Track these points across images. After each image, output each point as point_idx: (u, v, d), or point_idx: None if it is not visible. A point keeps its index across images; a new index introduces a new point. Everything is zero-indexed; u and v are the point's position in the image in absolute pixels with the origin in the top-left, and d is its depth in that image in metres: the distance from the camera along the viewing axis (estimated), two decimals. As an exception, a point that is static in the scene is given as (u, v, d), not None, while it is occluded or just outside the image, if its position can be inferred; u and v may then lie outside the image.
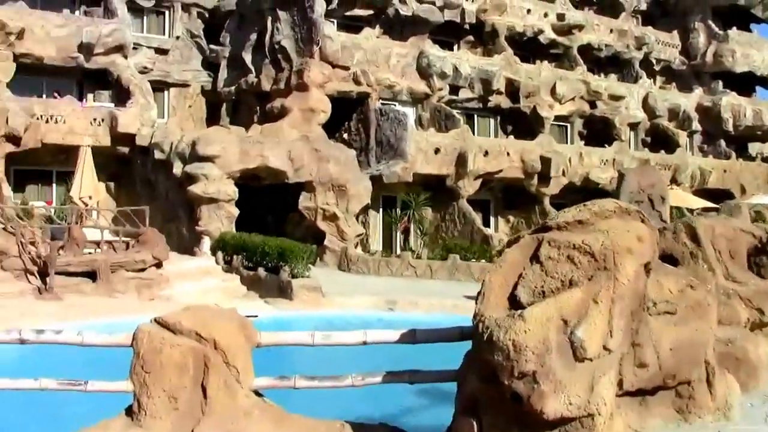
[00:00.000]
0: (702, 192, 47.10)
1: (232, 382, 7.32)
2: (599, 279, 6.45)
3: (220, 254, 29.92)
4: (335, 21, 40.44)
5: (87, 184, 30.11)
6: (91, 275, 24.96)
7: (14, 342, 7.64)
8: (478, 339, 6.53)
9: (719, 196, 46.20)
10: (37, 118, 33.66)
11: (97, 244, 27.16)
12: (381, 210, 38.80)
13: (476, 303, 6.93)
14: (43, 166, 35.60)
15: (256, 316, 23.17)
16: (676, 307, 7.48)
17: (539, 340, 6.09)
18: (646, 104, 49.67)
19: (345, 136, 39.12)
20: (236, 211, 32.24)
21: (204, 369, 7.24)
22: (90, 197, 30.20)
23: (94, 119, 35.10)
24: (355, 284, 28.91)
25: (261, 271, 27.23)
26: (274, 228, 34.08)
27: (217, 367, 7.27)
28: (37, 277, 24.42)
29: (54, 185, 36.07)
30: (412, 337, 7.82)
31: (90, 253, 26.36)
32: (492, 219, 42.92)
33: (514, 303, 6.64)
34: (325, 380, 7.78)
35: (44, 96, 36.46)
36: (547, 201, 41.61)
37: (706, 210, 44.05)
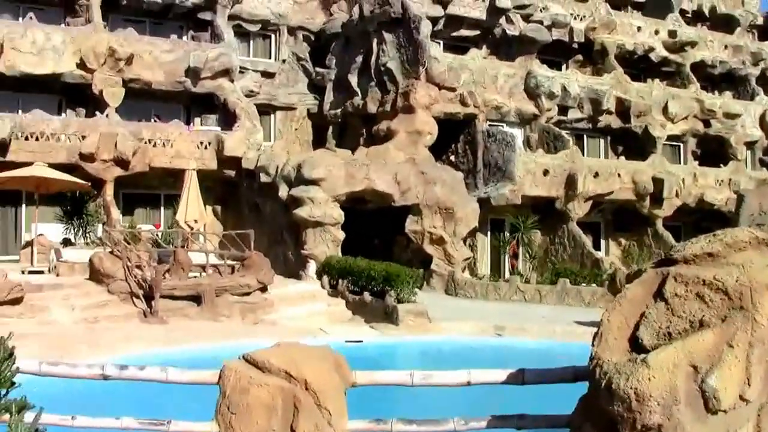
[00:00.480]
0: None
1: (323, 425, 6.80)
2: (734, 320, 5.75)
3: (325, 278, 29.60)
4: (441, 42, 40.15)
5: (192, 207, 30.07)
6: (196, 299, 24.92)
7: (96, 378, 7.27)
8: (596, 385, 5.89)
9: None
10: (145, 142, 33.97)
11: (203, 267, 27.09)
12: (489, 233, 38.10)
13: (593, 345, 6.31)
14: (151, 189, 35.94)
15: (361, 341, 22.92)
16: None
17: (665, 388, 5.43)
18: (763, 122, 48.03)
19: (452, 158, 38.63)
20: (342, 235, 31.86)
21: (294, 411, 6.76)
22: (195, 221, 30.15)
23: (201, 143, 35.26)
24: (462, 309, 28.34)
25: (366, 296, 26.78)
26: (380, 251, 33.70)
27: (307, 409, 6.77)
28: (143, 300, 24.44)
29: (162, 208, 36.31)
30: (520, 378, 7.17)
31: (195, 276, 26.31)
32: (602, 242, 41.93)
33: (636, 346, 5.98)
34: (425, 424, 7.19)
35: (153, 120, 36.74)
36: (659, 223, 40.58)
37: None
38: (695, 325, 5.82)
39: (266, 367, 6.88)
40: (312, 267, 30.93)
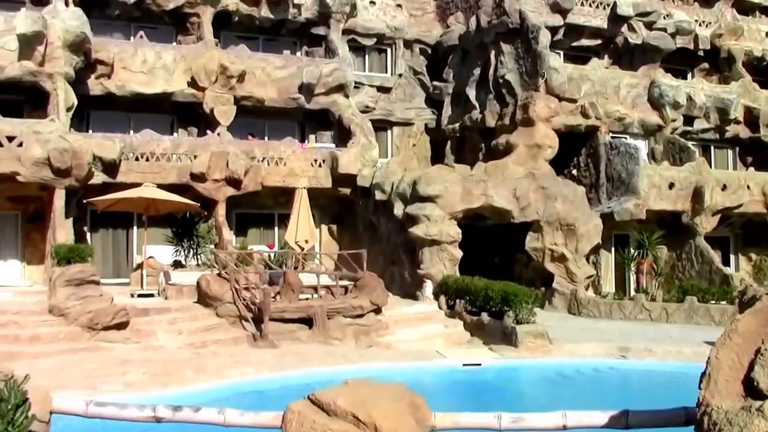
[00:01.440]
0: None
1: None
2: None
3: (442, 298, 28.92)
4: (561, 52, 39.10)
5: (303, 227, 29.59)
6: (308, 322, 24.50)
7: (149, 420, 6.68)
8: (704, 435, 4.96)
9: None
10: (258, 161, 33.67)
11: (315, 289, 26.62)
12: (613, 249, 36.87)
13: (699, 387, 5.39)
14: (264, 209, 35.77)
15: (479, 365, 22.11)
16: None
17: (785, 444, 4.52)
18: None
19: (573, 172, 37.55)
20: (459, 253, 31.05)
21: (362, 460, 6.00)
22: (306, 241, 29.67)
23: (315, 160, 34.88)
24: (585, 329, 27.33)
25: (485, 317, 25.99)
26: (500, 269, 32.93)
27: (378, 459, 6.00)
28: (252, 323, 24.17)
29: (276, 228, 36.02)
30: (623, 421, 6.30)
31: (307, 299, 25.87)
32: (732, 257, 40.40)
33: (751, 389, 5.05)
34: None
35: (266, 138, 36.50)
36: None
37: None
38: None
39: (332, 409, 6.30)
40: (428, 287, 30.21)
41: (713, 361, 5.53)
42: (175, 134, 35.71)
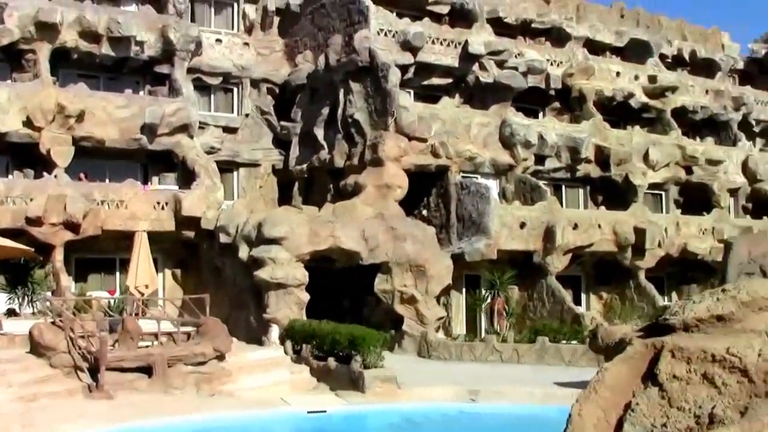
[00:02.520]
0: None
1: None
2: (759, 412, 4.00)
3: (288, 343, 27.94)
4: (411, 91, 38.69)
5: (143, 271, 28.42)
6: (148, 370, 23.26)
7: None
8: None
9: None
10: (98, 203, 32.24)
11: (156, 336, 25.40)
12: (464, 290, 36.39)
13: None
14: (105, 253, 34.27)
15: (324, 412, 21.22)
16: None
17: None
18: (746, 168, 47.05)
19: (424, 212, 37.08)
20: (306, 297, 30.14)
21: None
22: (146, 286, 28.44)
23: (158, 203, 33.63)
24: (435, 372, 26.67)
25: (331, 362, 25.15)
26: (350, 313, 32.21)
27: None
28: (88, 374, 22.90)
29: (117, 273, 34.48)
30: None
31: (148, 346, 24.67)
32: (583, 296, 40.45)
33: None
34: None
35: (107, 180, 35.03)
36: (642, 275, 39.19)
37: None
38: (703, 420, 4.13)
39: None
40: (275, 332, 29.23)
41: (575, 419, 4.75)
42: (10, 176, 33.89)
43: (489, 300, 34.90)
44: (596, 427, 4.54)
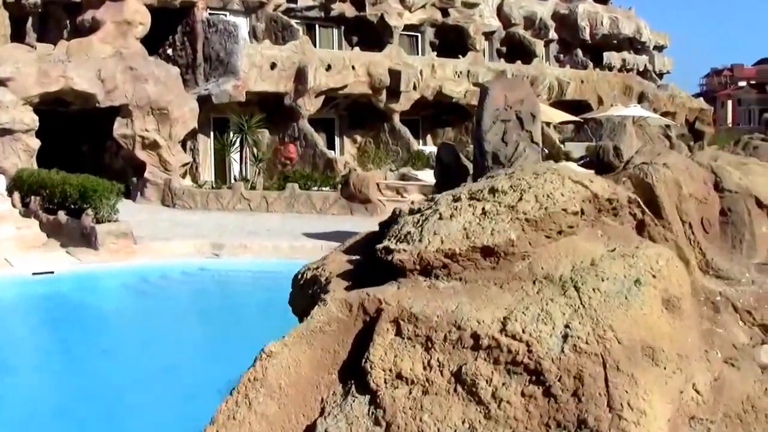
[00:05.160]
0: (560, 104, 45.05)
1: None
2: None
3: (16, 195, 25.37)
4: None
5: None
6: None
7: None
8: None
9: (576, 108, 45.33)
10: None
11: None
12: (212, 134, 34.53)
13: None
14: None
15: (52, 273, 19.29)
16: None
17: None
18: (501, 12, 47.18)
19: (168, 51, 34.66)
20: (36, 143, 27.74)
21: None
22: None
23: None
24: (178, 223, 25.00)
25: (62, 215, 22.90)
26: (89, 160, 29.80)
27: None
28: None
29: None
30: None
31: None
32: (337, 140, 39.37)
33: None
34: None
35: None
36: (397, 118, 38.63)
37: (564, 123, 42.06)
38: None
39: None
40: (1, 183, 26.64)
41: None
42: None
43: (237, 144, 33.21)
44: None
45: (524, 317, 3.52)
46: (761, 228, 8.34)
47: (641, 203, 5.05)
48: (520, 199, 4.15)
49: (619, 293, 3.74)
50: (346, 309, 3.82)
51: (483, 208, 4.15)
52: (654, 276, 3.95)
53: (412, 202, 5.30)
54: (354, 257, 4.97)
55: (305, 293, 4.85)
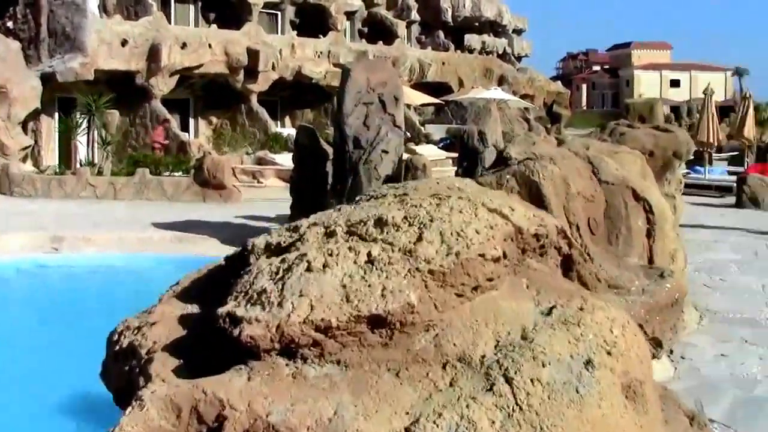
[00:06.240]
0: (421, 86, 45.10)
1: None
2: None
3: None
4: None
5: None
6: None
7: None
8: None
9: (437, 90, 45.67)
10: None
11: None
12: (56, 115, 32.55)
13: None
14: None
15: None
16: None
17: None
18: (362, -9, 46.01)
19: (9, 24, 32.65)
20: None
21: None
22: None
23: None
24: (15, 214, 22.87)
25: None
26: None
27: None
28: None
29: None
30: None
31: None
32: (191, 121, 38.01)
33: None
34: None
35: None
36: (254, 99, 37.65)
37: (425, 105, 41.59)
38: None
39: None
40: None
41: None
42: None
43: (84, 126, 31.26)
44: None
45: (436, 429, 2.40)
46: (637, 222, 7.79)
47: (567, 233, 3.93)
48: (420, 238, 3.03)
49: (568, 385, 2.69)
50: (172, 414, 2.67)
51: (369, 254, 3.03)
52: (609, 353, 2.94)
53: (269, 233, 4.04)
54: (191, 310, 3.72)
55: (120, 368, 3.59)
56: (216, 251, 14.30)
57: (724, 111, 51.87)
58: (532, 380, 2.88)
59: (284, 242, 3.67)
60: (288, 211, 18.36)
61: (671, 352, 8.48)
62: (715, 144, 32.85)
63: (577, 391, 2.85)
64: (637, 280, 5.77)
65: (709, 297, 12.05)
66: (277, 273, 3.31)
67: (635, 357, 3.22)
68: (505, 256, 3.36)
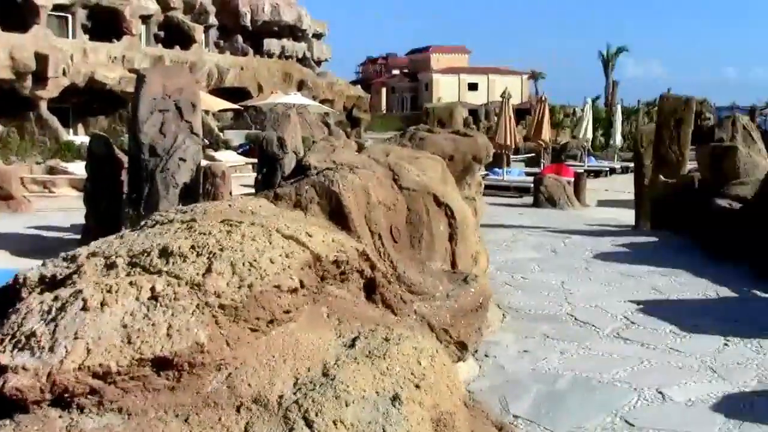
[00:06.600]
0: (219, 91, 45.15)
1: None
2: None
3: None
4: None
5: None
6: None
7: None
8: None
9: (236, 95, 45.96)
10: None
11: None
12: None
13: None
14: None
15: None
16: None
17: None
18: (160, -5, 45.22)
19: None
20: None
21: None
22: None
23: None
24: None
25: None
26: None
27: None
28: None
29: None
30: None
31: None
32: (-26, 130, 36.12)
33: None
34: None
35: None
36: (44, 106, 36.44)
37: (224, 111, 41.21)
38: None
39: None
40: None
41: None
42: None
43: None
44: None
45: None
46: (439, 227, 7.80)
47: (370, 255, 3.63)
48: (209, 270, 2.69)
49: (374, 424, 2.38)
50: None
51: (153, 289, 2.67)
52: (418, 386, 2.65)
53: (44, 263, 3.56)
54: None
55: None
56: (5, 263, 13.52)
57: (521, 113, 53.27)
58: (334, 422, 2.66)
59: (60, 274, 3.27)
60: (83, 221, 17.58)
61: (476, 351, 8.35)
62: (513, 146, 33.58)
63: (384, 431, 2.57)
64: (441, 286, 5.59)
65: (511, 295, 12.10)
66: (49, 312, 2.91)
67: (445, 388, 3.01)
68: (302, 285, 3.11)
